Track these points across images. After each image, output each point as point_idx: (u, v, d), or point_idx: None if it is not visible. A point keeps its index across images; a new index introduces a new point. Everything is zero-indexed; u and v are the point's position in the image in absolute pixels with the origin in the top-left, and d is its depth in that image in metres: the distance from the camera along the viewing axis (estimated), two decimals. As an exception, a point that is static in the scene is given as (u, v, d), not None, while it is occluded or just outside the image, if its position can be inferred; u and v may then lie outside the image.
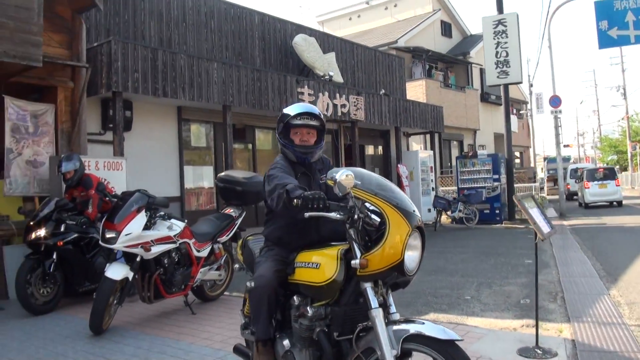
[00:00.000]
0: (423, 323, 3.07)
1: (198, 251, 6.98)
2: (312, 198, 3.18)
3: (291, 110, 3.84)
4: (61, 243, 7.42)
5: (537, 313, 5.24)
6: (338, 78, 16.17)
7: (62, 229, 7.58)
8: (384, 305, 3.21)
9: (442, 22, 30.99)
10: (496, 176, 18.91)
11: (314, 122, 3.83)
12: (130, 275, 6.29)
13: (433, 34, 29.85)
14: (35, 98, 9.82)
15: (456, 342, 2.96)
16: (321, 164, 4.05)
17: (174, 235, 6.58)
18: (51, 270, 7.43)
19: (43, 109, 9.63)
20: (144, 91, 10.52)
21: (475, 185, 18.81)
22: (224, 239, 7.38)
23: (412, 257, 3.13)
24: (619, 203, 25.56)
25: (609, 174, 26.11)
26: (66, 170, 8.01)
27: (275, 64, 15.30)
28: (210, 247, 7.17)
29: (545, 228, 5.03)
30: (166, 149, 12.24)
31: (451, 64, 30.34)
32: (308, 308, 3.37)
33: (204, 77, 11.52)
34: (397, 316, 3.22)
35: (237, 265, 4.65)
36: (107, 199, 8.04)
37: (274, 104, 12.91)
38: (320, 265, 3.34)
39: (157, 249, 6.37)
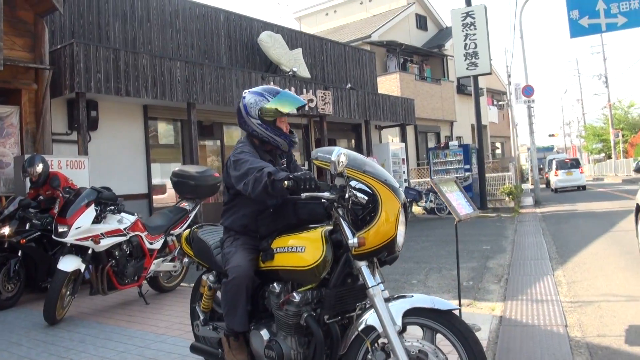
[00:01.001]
0: (412, 296, 3.08)
1: (151, 243, 7.24)
2: (303, 179, 3.14)
3: (283, 104, 3.71)
4: (24, 241, 7.62)
5: (459, 292, 5.53)
6: (304, 73, 16.41)
7: (27, 226, 7.79)
8: (363, 281, 3.16)
9: (417, 15, 31.28)
10: (467, 166, 19.21)
11: (296, 111, 3.83)
12: (82, 267, 6.54)
13: (408, 27, 30.13)
14: (0, 101, 10.02)
15: (453, 311, 2.99)
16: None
17: (124, 228, 6.83)
18: (16, 267, 7.63)
19: (8, 111, 9.84)
20: (107, 91, 10.73)
21: (448, 176, 19.10)
22: (177, 231, 7.63)
23: (401, 233, 3.14)
24: (583, 187, 28.90)
25: (575, 164, 30.65)
26: (31, 173, 8.17)
27: (242, 61, 15.53)
28: (163, 239, 7.43)
29: (463, 211, 5.30)
30: (133, 147, 12.47)
31: (426, 56, 30.63)
32: (295, 294, 3.29)
33: (166, 76, 11.75)
34: (386, 293, 3.15)
35: (186, 260, 4.52)
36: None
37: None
38: (305, 249, 3.28)
39: (107, 242, 6.62)
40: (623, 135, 50.82)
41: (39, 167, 8.12)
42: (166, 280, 7.97)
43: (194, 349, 4.27)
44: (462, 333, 2.92)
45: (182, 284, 8.22)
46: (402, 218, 3.11)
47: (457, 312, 3.04)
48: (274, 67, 15.94)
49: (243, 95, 3.83)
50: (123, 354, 5.12)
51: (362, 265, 3.13)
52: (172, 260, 7.72)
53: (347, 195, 3.14)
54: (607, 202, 19.84)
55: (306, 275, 3.27)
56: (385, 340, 3.03)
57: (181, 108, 12.65)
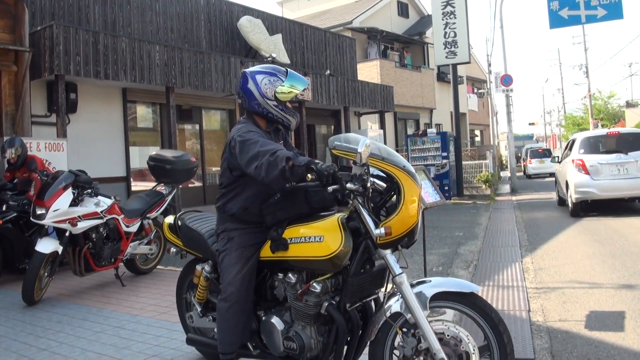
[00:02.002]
0: (431, 280, 3.12)
1: (127, 226, 7.34)
2: (326, 173, 3.04)
3: (297, 84, 3.66)
4: (1, 222, 7.69)
5: (425, 276, 5.68)
6: (284, 59, 16.46)
7: (4, 208, 7.85)
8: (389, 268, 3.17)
9: (398, 2, 31.30)
10: (445, 154, 19.35)
11: None
12: (60, 249, 6.62)
13: (389, 14, 30.18)
14: (-21, 82, 10.03)
15: (477, 293, 3.03)
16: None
17: (101, 212, 6.93)
18: None
19: (-14, 93, 9.86)
20: (86, 74, 10.76)
21: (425, 163, 19.25)
22: (153, 214, 7.75)
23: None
24: (552, 174, 29.27)
25: (547, 153, 33.17)
26: (10, 155, 8.20)
27: (222, 45, 15.57)
28: (139, 222, 7.53)
29: (429, 199, 5.44)
30: (112, 130, 12.51)
31: (407, 44, 30.73)
32: (315, 284, 3.21)
33: (145, 59, 11.78)
34: (404, 277, 3.12)
35: (173, 250, 4.33)
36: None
37: (218, 85, 13.22)
38: (324, 238, 3.20)
39: (84, 224, 6.72)
40: (603, 125, 51.34)
41: (18, 150, 8.16)
42: (142, 263, 8.08)
43: (191, 341, 4.19)
44: (487, 314, 3.00)
45: (158, 267, 8.34)
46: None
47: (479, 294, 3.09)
48: (253, 52, 15.98)
49: (250, 75, 3.68)
50: (99, 334, 5.24)
51: (387, 253, 3.13)
52: (148, 243, 7.83)
53: (368, 185, 3.07)
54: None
55: (326, 264, 3.21)
56: (415, 326, 3.08)
57: (160, 92, 12.69)
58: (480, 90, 42.89)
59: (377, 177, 3.16)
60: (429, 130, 20.43)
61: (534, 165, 34.60)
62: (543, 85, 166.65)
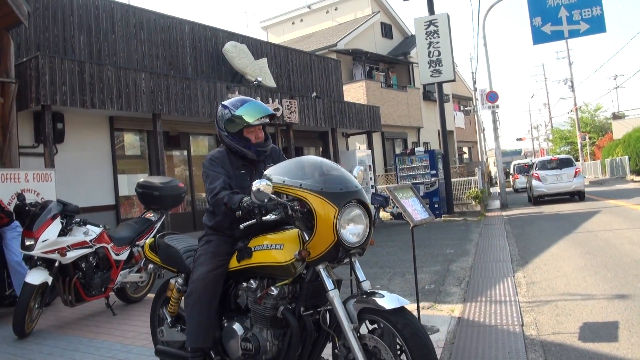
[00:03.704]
0: (383, 295, 3.19)
1: (117, 255, 7.31)
2: (249, 209, 3.39)
3: (247, 114, 3.87)
4: None
5: (417, 295, 5.67)
6: (270, 83, 16.55)
7: None
8: (355, 277, 3.42)
9: (382, 23, 31.58)
10: (434, 171, 19.40)
11: (267, 120, 3.95)
12: (50, 279, 6.58)
13: (373, 35, 30.42)
14: (-34, 114, 9.99)
15: (404, 308, 3.12)
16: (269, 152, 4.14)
17: (90, 240, 6.90)
18: None
19: (-26, 125, 9.83)
20: (73, 103, 10.76)
21: (414, 182, 19.29)
22: (142, 242, 7.70)
23: (352, 231, 3.27)
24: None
25: (529, 168, 33.32)
26: None
27: (208, 71, 15.63)
28: (129, 250, 7.50)
29: (417, 216, 5.47)
30: (100, 158, 12.48)
31: (392, 64, 30.95)
32: (273, 288, 3.45)
33: (131, 87, 11.80)
34: (367, 284, 3.39)
35: (151, 266, 4.70)
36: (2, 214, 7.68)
37: (204, 111, 13.25)
38: (284, 246, 3.46)
39: (73, 254, 6.68)
40: (590, 138, 51.70)
41: None
42: (133, 291, 8.03)
43: (159, 352, 4.40)
44: (399, 329, 3.08)
45: (149, 295, 8.28)
46: (349, 217, 3.27)
47: (406, 308, 3.16)
48: (239, 77, 16.06)
49: (219, 106, 4.08)
50: (90, 364, 5.20)
51: (320, 268, 3.32)
52: (138, 271, 7.78)
53: (289, 212, 3.35)
54: (572, 204, 20.22)
55: (284, 270, 3.45)
56: None
57: (147, 119, 12.70)
58: (466, 108, 43.14)
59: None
60: (416, 149, 20.50)
61: (520, 180, 35.73)
62: (529, 101, 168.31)
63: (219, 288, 3.78)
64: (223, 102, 4.06)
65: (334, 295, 3.26)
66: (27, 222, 6.87)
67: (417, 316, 5.62)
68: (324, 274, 3.31)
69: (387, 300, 3.14)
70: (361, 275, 3.42)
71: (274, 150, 4.21)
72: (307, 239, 3.32)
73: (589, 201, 20.85)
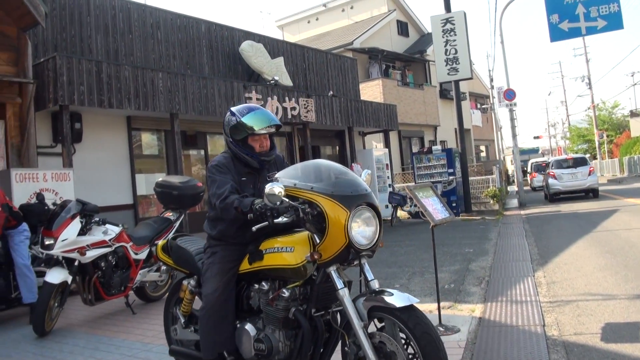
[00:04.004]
0: (392, 294, 3.25)
1: (136, 254, 7.34)
2: (262, 212, 3.45)
3: (252, 121, 3.87)
4: None
5: (438, 295, 5.66)
6: (287, 82, 16.54)
7: None
8: (364, 276, 3.48)
9: (398, 21, 31.48)
10: (451, 170, 19.31)
11: (274, 130, 3.99)
12: (69, 279, 6.63)
13: (390, 33, 30.33)
14: (-15, 115, 10.07)
15: (414, 306, 3.19)
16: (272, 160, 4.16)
17: (109, 240, 6.93)
18: None
19: (-8, 126, 9.91)
20: (90, 103, 10.80)
21: (431, 180, 19.21)
22: (162, 241, 7.71)
23: (362, 233, 3.34)
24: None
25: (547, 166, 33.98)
26: None
27: (224, 70, 15.65)
28: (148, 249, 7.51)
29: (438, 215, 5.44)
30: (117, 158, 12.53)
31: (408, 62, 30.83)
32: (284, 290, 3.53)
33: (149, 86, 11.83)
34: (375, 283, 3.46)
35: (164, 268, 4.87)
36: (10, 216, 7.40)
37: (222, 110, 13.25)
38: (294, 249, 3.52)
39: (92, 253, 6.72)
40: (608, 136, 51.21)
41: None
42: (152, 290, 8.05)
43: (174, 352, 4.51)
44: (410, 327, 3.13)
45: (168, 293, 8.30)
46: (360, 219, 3.35)
47: (416, 307, 3.23)
48: (255, 76, 16.07)
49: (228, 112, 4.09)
50: (110, 363, 5.21)
51: (331, 269, 3.38)
52: (157, 270, 7.80)
53: (301, 215, 3.38)
54: (591, 203, 20.06)
55: (295, 272, 3.51)
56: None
57: (164, 118, 12.73)
58: (483, 106, 43.00)
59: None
60: (434, 148, 20.41)
61: (538, 179, 35.45)
62: (546, 99, 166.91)
63: (232, 295, 3.85)
64: (231, 108, 4.07)
65: (344, 294, 3.33)
66: (46, 221, 6.91)
67: (438, 316, 5.60)
68: (334, 275, 3.38)
69: (397, 298, 3.20)
70: (370, 276, 3.48)
71: (278, 158, 4.23)
72: (318, 241, 3.37)
73: (608, 200, 20.68)
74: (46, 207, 8.06)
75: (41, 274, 7.19)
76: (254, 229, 3.52)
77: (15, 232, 7.13)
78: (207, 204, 4.12)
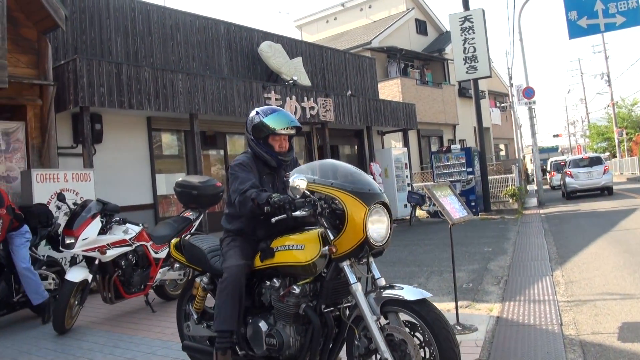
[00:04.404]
0: (402, 288, 3.42)
1: (156, 253, 7.42)
2: (280, 204, 3.58)
3: (274, 122, 4.09)
4: None
5: (455, 294, 5.69)
6: (305, 82, 16.57)
7: None
8: (370, 273, 3.64)
9: (416, 20, 31.40)
10: (470, 169, 19.25)
11: (294, 132, 4.18)
12: (90, 277, 6.72)
13: (408, 32, 30.26)
14: (6, 117, 10.16)
15: (427, 300, 3.33)
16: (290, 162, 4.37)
17: (130, 239, 7.01)
18: None
19: (14, 127, 10.02)
20: (110, 104, 10.90)
21: (451, 179, 19.18)
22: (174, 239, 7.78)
23: (376, 231, 3.50)
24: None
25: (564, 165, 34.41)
26: None
27: (243, 71, 15.71)
28: (168, 248, 7.57)
29: (456, 214, 5.46)
30: (137, 158, 12.62)
31: (427, 61, 30.75)
32: (295, 286, 3.68)
33: (169, 87, 11.92)
34: (382, 281, 3.62)
35: (177, 265, 4.96)
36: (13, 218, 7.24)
37: (241, 110, 13.32)
38: (305, 247, 3.66)
39: (113, 252, 6.80)
40: (627, 134, 50.66)
41: None
42: (172, 289, 8.13)
43: (186, 348, 4.64)
44: (426, 320, 3.26)
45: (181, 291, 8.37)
46: (376, 217, 3.50)
47: (430, 301, 3.36)
48: (274, 77, 16.11)
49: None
50: (130, 361, 5.29)
51: (344, 264, 3.54)
52: (178, 269, 7.87)
53: (319, 210, 3.53)
54: (610, 202, 19.94)
55: (305, 269, 3.65)
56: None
57: (184, 119, 12.81)
58: (502, 104, 42.76)
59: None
60: (453, 146, 20.36)
61: (557, 177, 35.04)
62: (565, 96, 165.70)
63: (245, 275, 3.95)
64: (257, 109, 4.27)
65: (357, 289, 3.47)
66: (67, 221, 7.00)
67: (455, 315, 5.62)
68: (347, 270, 3.53)
69: (409, 292, 3.36)
70: (377, 274, 3.65)
71: (293, 161, 4.42)
72: (332, 237, 3.51)
73: (627, 198, 20.53)
74: (47, 207, 8.01)
75: (44, 277, 7.29)
76: (273, 220, 3.63)
77: (16, 234, 7.02)
78: (226, 202, 4.33)
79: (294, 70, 16.35)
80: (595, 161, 24.58)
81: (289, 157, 4.24)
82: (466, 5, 19.94)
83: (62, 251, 7.12)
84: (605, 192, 23.78)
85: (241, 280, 3.90)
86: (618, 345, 4.79)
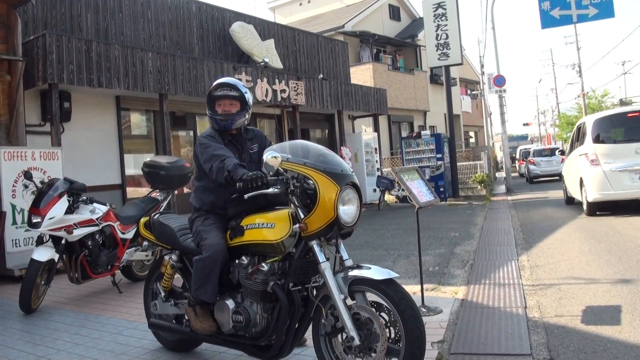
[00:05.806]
0: (370, 268, 3.45)
1: (123, 233, 7.35)
2: (252, 179, 3.59)
3: (213, 88, 4.27)
4: None
5: (421, 276, 5.74)
6: (277, 64, 16.49)
7: None
8: (338, 254, 3.68)
9: (390, 5, 31.40)
10: (439, 155, 19.37)
11: (233, 93, 4.23)
12: (56, 257, 6.65)
13: (381, 17, 30.27)
14: (-27, 93, 10.01)
15: (394, 280, 3.37)
16: (252, 134, 4.47)
17: (96, 219, 6.94)
18: None
19: (-20, 103, 9.85)
20: (79, 82, 10.75)
21: (420, 165, 19.27)
22: (144, 218, 7.74)
23: (346, 211, 3.56)
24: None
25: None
26: None
27: (214, 51, 15.59)
28: (135, 229, 7.51)
29: (423, 198, 5.49)
30: (106, 138, 12.49)
31: (400, 47, 30.82)
32: (263, 264, 3.71)
33: (138, 66, 11.79)
34: (350, 262, 3.66)
35: (146, 243, 5.15)
36: None
37: (211, 91, 13.22)
38: (275, 225, 3.71)
39: (79, 232, 6.72)
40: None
41: None
42: (139, 269, 8.09)
43: (152, 325, 4.71)
44: (393, 299, 3.31)
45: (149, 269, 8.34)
46: (346, 197, 3.56)
47: (397, 281, 3.42)
48: (246, 58, 16.01)
49: None
50: (96, 340, 5.26)
51: (314, 243, 3.57)
52: (145, 248, 7.83)
53: (291, 188, 3.58)
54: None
55: (274, 248, 3.70)
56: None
57: (154, 99, 12.69)
58: (473, 92, 43.00)
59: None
60: (423, 132, 20.46)
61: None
62: (536, 86, 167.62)
63: (226, 253, 3.98)
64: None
65: (325, 267, 3.51)
66: (34, 199, 6.92)
67: (421, 297, 5.67)
68: (317, 249, 3.55)
69: (376, 272, 3.41)
70: (345, 255, 3.69)
71: (259, 133, 4.57)
72: (302, 216, 3.53)
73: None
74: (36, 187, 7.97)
75: None
76: (246, 196, 3.66)
77: None
78: (196, 176, 4.35)
79: (266, 52, 16.26)
80: (554, 151, 28.05)
81: (230, 117, 4.23)
82: (440, -8, 19.98)
83: (29, 230, 7.07)
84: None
85: (222, 258, 3.93)
86: (581, 327, 4.87)
